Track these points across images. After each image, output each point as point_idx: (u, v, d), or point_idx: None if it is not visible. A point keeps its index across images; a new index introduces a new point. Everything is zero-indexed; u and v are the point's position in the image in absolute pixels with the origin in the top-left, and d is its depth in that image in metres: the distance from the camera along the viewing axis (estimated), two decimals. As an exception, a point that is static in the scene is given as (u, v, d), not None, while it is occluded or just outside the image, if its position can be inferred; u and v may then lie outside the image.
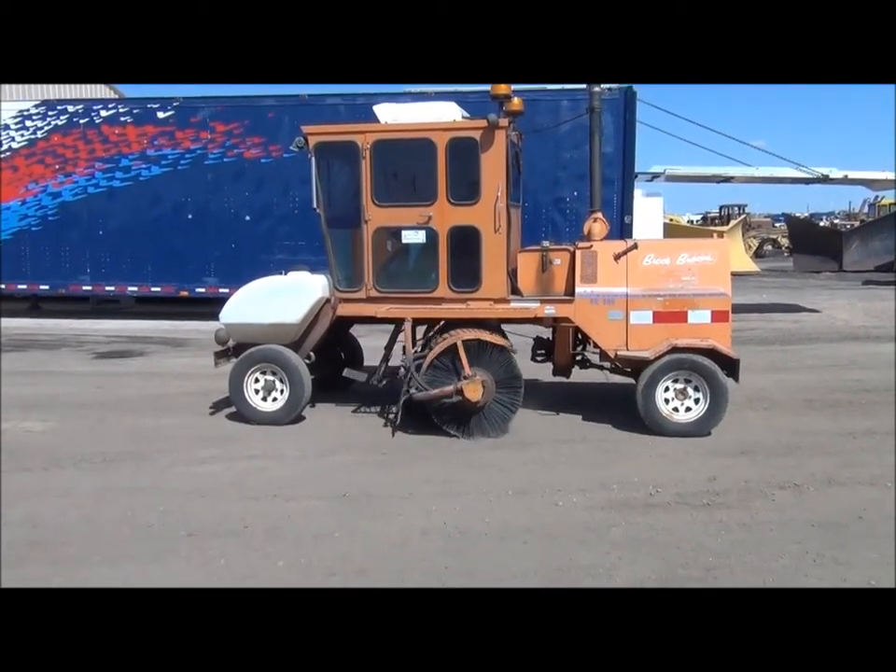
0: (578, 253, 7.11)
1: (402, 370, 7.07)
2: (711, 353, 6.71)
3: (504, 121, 6.91)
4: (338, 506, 5.23)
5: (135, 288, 15.46)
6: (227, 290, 14.85)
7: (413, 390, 6.80)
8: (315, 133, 7.25)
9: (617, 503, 5.19)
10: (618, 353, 6.99)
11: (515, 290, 7.32)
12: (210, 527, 4.86)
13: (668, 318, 6.89)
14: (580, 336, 7.61)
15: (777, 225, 47.71)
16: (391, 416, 7.15)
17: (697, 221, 45.75)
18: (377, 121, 7.39)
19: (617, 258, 7.02)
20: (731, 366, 6.78)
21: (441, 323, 7.12)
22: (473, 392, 6.64)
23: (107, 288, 15.58)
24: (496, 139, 6.93)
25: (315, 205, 7.31)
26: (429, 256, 7.22)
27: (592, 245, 7.14)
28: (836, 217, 50.49)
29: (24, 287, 15.83)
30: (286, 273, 7.75)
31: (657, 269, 6.96)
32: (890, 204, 35.97)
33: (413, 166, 7.48)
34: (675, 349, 6.72)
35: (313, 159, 7.21)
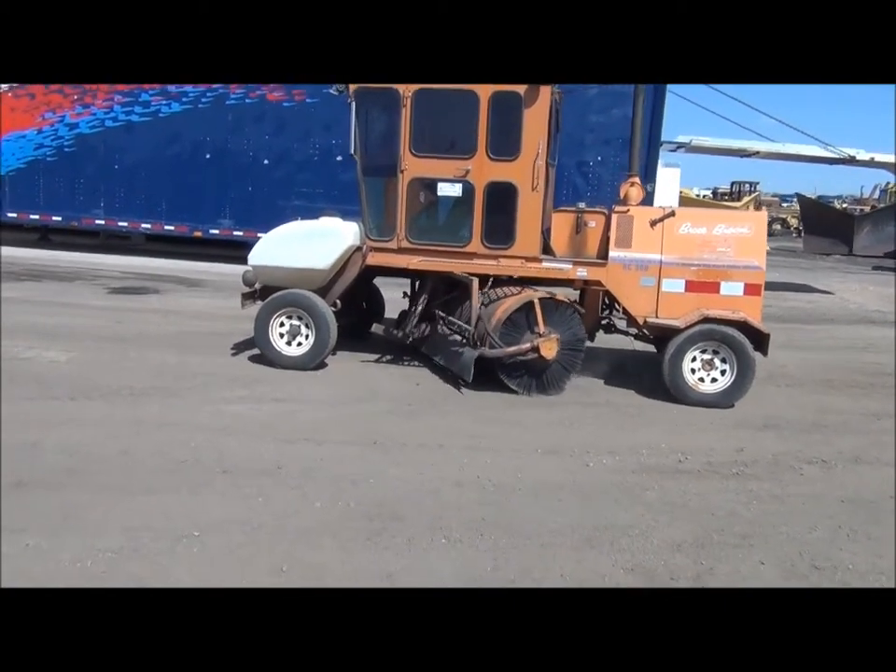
0: (614, 217, 7.06)
1: (459, 325, 7.06)
2: (742, 326, 6.70)
3: (550, 78, 6.80)
4: (370, 452, 5.25)
5: (149, 226, 15.37)
6: (241, 233, 14.91)
7: (484, 347, 6.78)
8: (357, 77, 7.14)
9: (647, 467, 5.22)
10: (647, 320, 6.98)
11: (547, 250, 7.29)
12: (244, 466, 4.87)
13: (700, 288, 6.87)
14: (606, 300, 7.60)
15: (785, 205, 47.53)
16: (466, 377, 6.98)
17: (706, 196, 45.52)
18: None
19: (653, 224, 6.97)
20: (759, 340, 6.78)
21: (491, 280, 7.09)
22: (549, 350, 6.66)
23: (120, 224, 15.49)
24: (540, 95, 6.84)
25: (352, 151, 7.23)
26: (464, 210, 7.17)
27: (628, 210, 7.09)
28: (845, 202, 50.22)
29: (37, 217, 15.73)
30: (302, 219, 7.71)
31: (693, 238, 6.92)
32: (902, 191, 35.81)
33: (453, 118, 7.37)
34: (706, 319, 6.71)
35: (353, 104, 7.12)
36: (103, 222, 15.51)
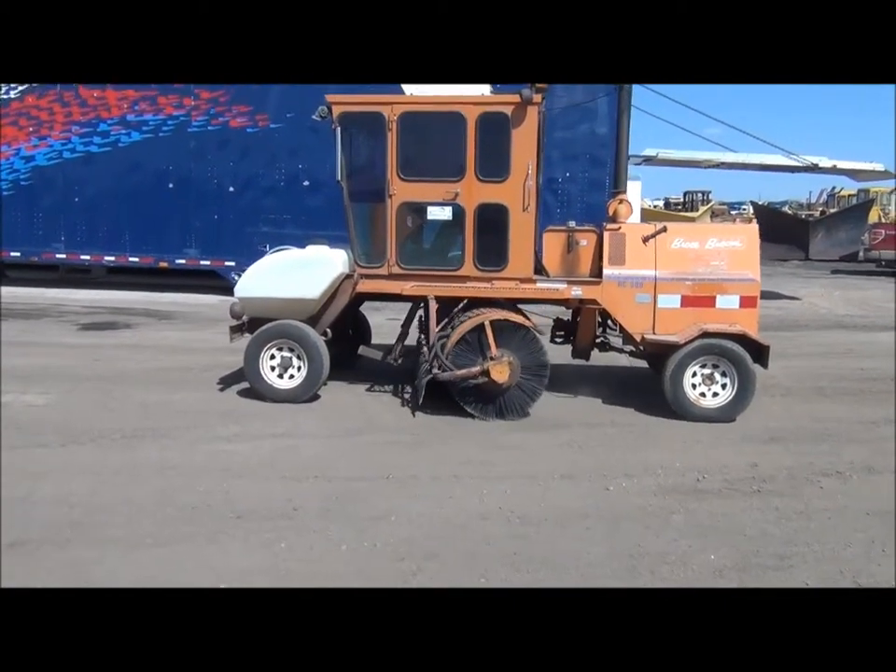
0: (606, 234, 7.02)
1: (425, 349, 6.95)
2: (741, 338, 6.68)
3: (538, 97, 6.74)
4: (384, 487, 5.09)
5: (112, 258, 14.96)
6: (208, 262, 14.66)
7: (436, 370, 6.66)
8: (340, 102, 7.00)
9: (668, 489, 5.14)
10: (645, 336, 6.93)
11: (540, 270, 7.21)
12: (258, 509, 4.67)
13: (696, 303, 6.84)
14: (599, 318, 7.54)
15: (734, 212, 48.41)
16: (409, 396, 6.97)
17: (657, 206, 46.08)
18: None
19: (645, 240, 6.94)
20: (758, 352, 6.77)
21: (465, 302, 6.97)
22: (500, 374, 6.50)
23: (83, 257, 15.06)
24: (528, 115, 6.77)
25: (338, 178, 7.07)
26: (455, 233, 7.06)
27: (620, 227, 7.05)
28: (791, 207, 51.23)
29: (-6, 253, 15.24)
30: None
31: (686, 252, 6.91)
32: (850, 195, 36.64)
33: (441, 140, 7.29)
34: (705, 334, 6.68)
35: (337, 129, 6.97)
36: (64, 256, 15.08)
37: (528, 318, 7.03)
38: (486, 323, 6.61)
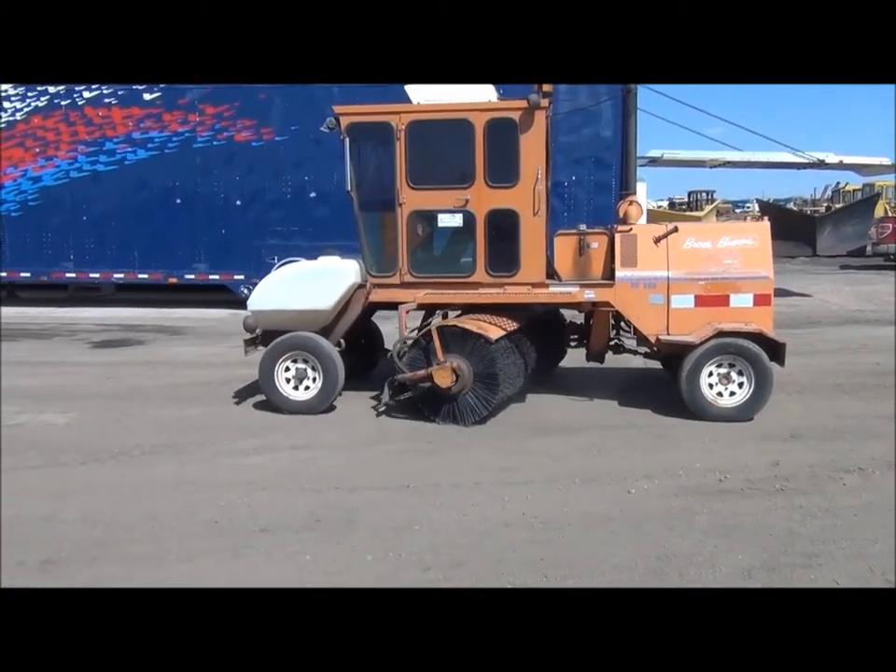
0: (617, 236, 7.01)
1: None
2: (756, 337, 6.66)
3: (545, 102, 6.75)
4: (405, 497, 5.08)
5: (121, 275, 15.03)
6: (217, 277, 14.70)
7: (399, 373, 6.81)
8: (348, 113, 7.04)
9: (689, 490, 5.12)
10: (659, 337, 6.91)
11: (551, 274, 7.21)
12: (281, 522, 4.67)
13: (710, 302, 6.82)
14: (612, 321, 7.54)
15: (738, 210, 48.32)
16: (382, 398, 6.99)
17: (661, 207, 45.96)
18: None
19: (657, 241, 6.93)
20: (774, 350, 6.74)
21: (437, 313, 7.08)
22: (442, 378, 6.52)
23: (92, 275, 15.15)
24: (536, 120, 6.79)
25: (347, 188, 7.10)
26: (466, 240, 7.08)
27: (631, 229, 7.05)
28: (796, 204, 51.05)
29: (4, 274, 15.30)
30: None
31: (698, 252, 6.89)
32: (854, 190, 36.53)
33: (449, 147, 7.31)
34: (720, 333, 6.66)
35: (346, 140, 7.00)
36: (73, 275, 15.17)
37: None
38: (434, 329, 6.66)
